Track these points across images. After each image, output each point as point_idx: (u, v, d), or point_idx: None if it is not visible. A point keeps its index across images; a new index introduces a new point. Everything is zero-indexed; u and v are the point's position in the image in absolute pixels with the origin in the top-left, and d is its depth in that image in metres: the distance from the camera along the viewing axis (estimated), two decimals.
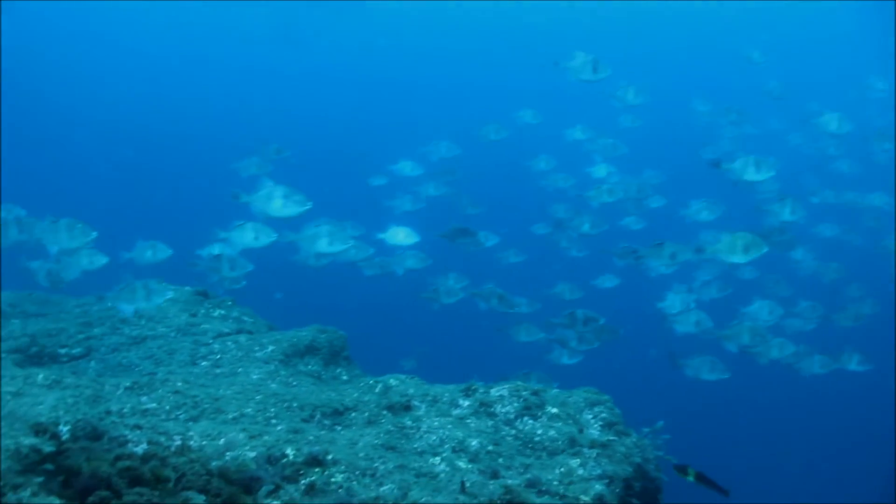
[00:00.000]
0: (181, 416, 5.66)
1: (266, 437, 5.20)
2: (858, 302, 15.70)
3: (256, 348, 7.87)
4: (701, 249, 9.62)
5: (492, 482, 5.07)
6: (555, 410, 6.26)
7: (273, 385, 6.80)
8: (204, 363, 7.49)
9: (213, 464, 3.90)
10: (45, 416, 4.78)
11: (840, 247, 16.92)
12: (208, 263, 9.23)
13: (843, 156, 17.77)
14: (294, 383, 7.11)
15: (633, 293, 15.62)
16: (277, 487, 3.97)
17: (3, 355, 7.03)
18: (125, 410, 5.48)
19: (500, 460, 5.57)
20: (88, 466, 3.42)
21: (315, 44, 46.26)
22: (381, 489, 4.75)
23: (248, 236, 8.43)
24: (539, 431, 5.98)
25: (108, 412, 5.39)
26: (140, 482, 3.58)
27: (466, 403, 6.31)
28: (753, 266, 15.10)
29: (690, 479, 5.95)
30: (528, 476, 5.29)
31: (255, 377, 7.07)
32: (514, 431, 5.98)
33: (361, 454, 5.21)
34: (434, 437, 5.69)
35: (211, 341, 8.05)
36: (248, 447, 5.04)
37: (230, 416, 5.75)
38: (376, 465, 5.06)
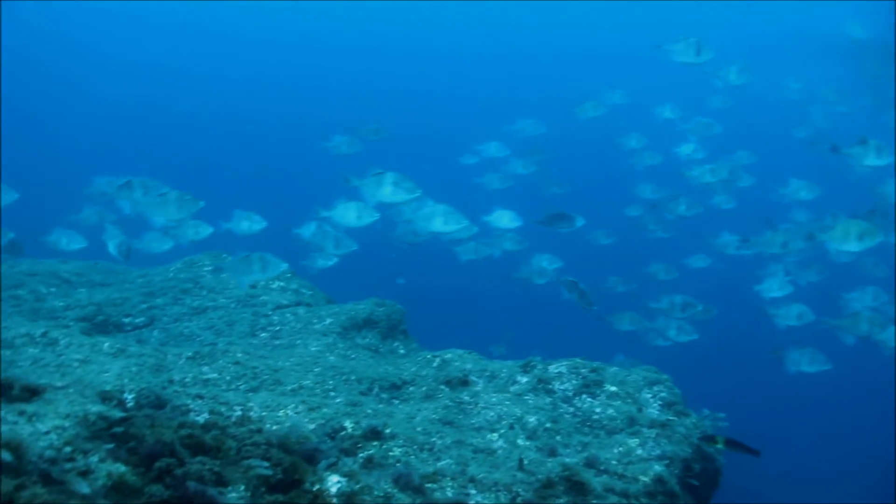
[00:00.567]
0: (241, 387, 5.74)
1: (325, 410, 5.25)
2: None
3: (315, 320, 7.94)
4: (812, 237, 9.34)
5: (550, 460, 5.05)
6: (614, 389, 6.20)
7: (331, 357, 6.86)
8: (263, 334, 7.58)
9: (273, 435, 3.94)
10: (111, 384, 4.88)
11: None
12: (314, 240, 9.36)
13: None
14: (352, 356, 7.16)
15: (726, 274, 15.37)
16: (336, 461, 3.99)
17: (70, 323, 7.21)
18: (187, 380, 5.58)
19: (558, 438, 5.54)
20: (153, 434, 3.48)
21: (403, 22, 46.45)
22: (439, 464, 4.76)
23: (351, 216, 8.59)
24: (597, 410, 5.93)
25: (171, 381, 5.49)
26: (202, 451, 3.63)
27: (524, 380, 6.29)
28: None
29: (720, 446, 5.85)
30: (587, 455, 5.25)
31: (313, 349, 7.13)
32: (572, 409, 5.95)
33: (419, 428, 5.23)
34: (492, 413, 5.68)
35: (270, 313, 8.14)
36: (307, 419, 5.09)
37: (289, 388, 5.81)
38: (434, 439, 5.08)
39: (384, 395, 6.08)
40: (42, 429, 3.42)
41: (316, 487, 3.56)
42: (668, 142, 15.03)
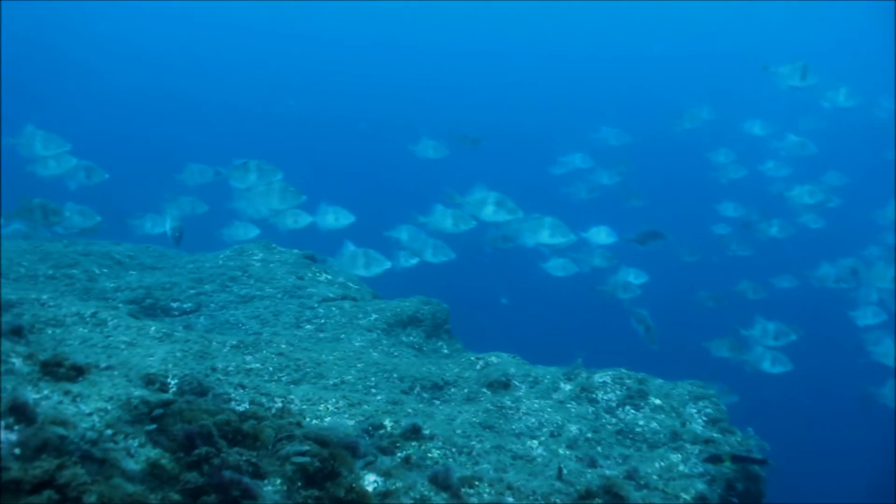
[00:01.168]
0: (283, 379, 5.77)
1: (365, 407, 5.25)
2: None
3: (360, 315, 7.95)
4: None
5: (589, 471, 4.99)
6: (658, 402, 6.11)
7: (374, 354, 6.86)
8: (308, 326, 7.61)
9: (312, 429, 3.94)
10: (155, 369, 4.94)
11: None
12: (410, 244, 9.52)
13: None
14: (395, 353, 7.15)
15: (814, 295, 15.16)
16: (374, 459, 3.98)
17: (119, 305, 7.31)
18: (230, 368, 5.62)
19: (599, 449, 5.48)
20: (192, 421, 3.50)
21: (490, 22, 46.90)
22: (477, 468, 4.72)
23: (448, 222, 8.79)
24: (640, 422, 5.85)
25: (214, 369, 5.53)
26: (240, 440, 3.64)
27: (568, 387, 6.23)
28: None
29: (728, 464, 5.71)
30: (627, 467, 5.18)
31: (357, 344, 7.15)
32: (614, 420, 5.87)
33: (459, 431, 5.20)
34: (533, 420, 5.63)
35: (316, 305, 8.17)
36: (347, 415, 5.10)
37: (331, 382, 5.82)
38: (473, 443, 5.05)
39: (425, 395, 6.07)
40: (85, 410, 3.46)
41: (352, 484, 3.54)
42: (754, 159, 14.93)
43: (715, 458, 5.61)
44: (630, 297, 12.27)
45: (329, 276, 9.20)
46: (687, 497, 5.02)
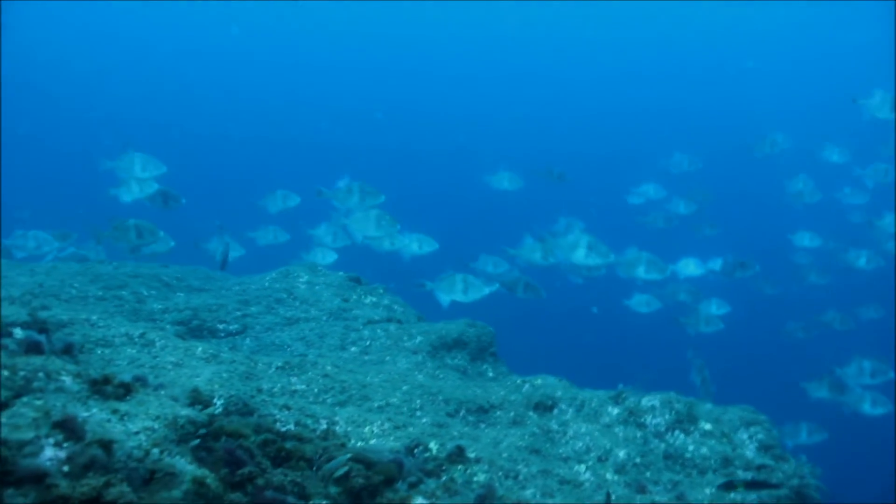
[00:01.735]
0: (328, 401, 5.77)
1: (411, 429, 5.23)
2: None
3: (405, 338, 7.94)
4: None
5: (638, 496, 4.91)
6: (708, 427, 6.01)
7: (420, 376, 6.84)
8: (353, 349, 7.62)
9: (356, 449, 3.94)
10: (202, 389, 4.97)
11: None
12: (500, 280, 9.75)
13: None
14: (440, 376, 7.13)
15: None
16: (419, 481, 3.96)
17: (167, 326, 7.40)
18: (275, 390, 5.64)
19: (648, 474, 5.39)
20: (237, 442, 3.51)
21: (559, 46, 47.32)
22: (524, 493, 4.67)
23: (537, 255, 9.25)
24: (690, 448, 5.75)
25: (260, 390, 5.55)
26: (285, 461, 3.65)
27: (615, 411, 6.14)
28: None
29: (741, 489, 5.56)
30: (677, 493, 5.09)
31: (402, 367, 7.14)
32: (663, 445, 5.78)
33: (505, 454, 5.16)
34: (580, 444, 5.57)
35: (361, 327, 8.18)
36: (392, 437, 5.08)
37: (376, 405, 5.81)
38: (519, 467, 5.00)
39: (471, 418, 6.02)
40: (132, 429, 3.49)
41: (403, 499, 3.53)
42: (831, 186, 14.74)
43: (729, 486, 5.49)
44: (713, 330, 12.17)
45: (374, 299, 9.22)
46: None
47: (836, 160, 14.62)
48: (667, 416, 6.00)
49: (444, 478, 4.60)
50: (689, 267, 12.03)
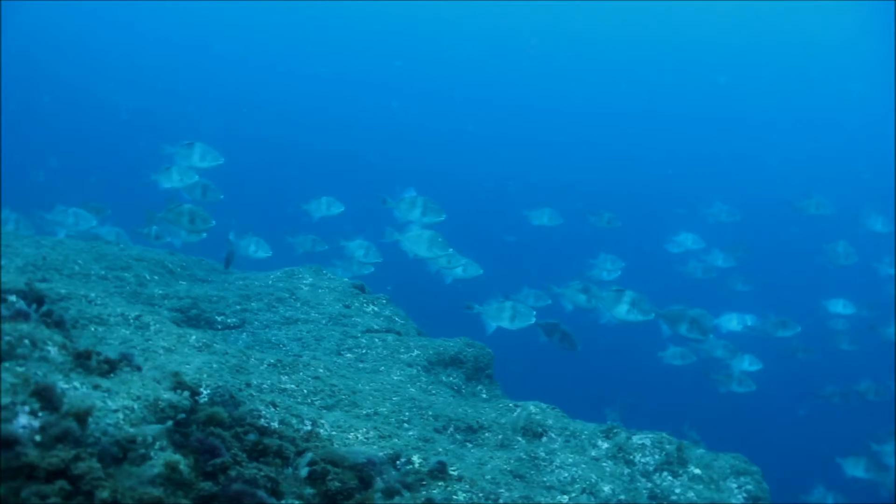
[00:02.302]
0: (316, 403, 5.71)
1: (396, 440, 5.17)
2: None
3: (402, 350, 7.88)
4: None
5: None
6: (697, 472, 5.90)
7: (412, 389, 6.78)
8: (349, 355, 7.56)
9: (330, 450, 3.87)
10: (189, 377, 4.92)
11: None
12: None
13: None
14: (433, 391, 7.06)
15: None
16: (396, 491, 3.88)
17: (165, 311, 7.36)
18: (264, 386, 5.58)
19: None
20: (215, 431, 3.45)
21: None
22: None
23: (581, 298, 9.80)
24: (677, 490, 5.64)
25: (248, 384, 5.50)
26: (262, 456, 3.59)
27: (605, 446, 6.05)
28: None
29: None
30: None
31: (395, 378, 7.07)
32: (650, 485, 5.68)
33: (488, 476, 5.08)
34: (565, 474, 5.48)
35: (359, 335, 8.12)
36: (376, 446, 5.01)
37: (364, 412, 5.75)
38: (501, 490, 4.91)
39: (458, 437, 5.95)
40: (112, 406, 3.44)
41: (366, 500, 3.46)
42: (871, 254, 14.70)
43: None
44: (745, 391, 12.11)
45: (376, 308, 9.16)
46: None
47: (879, 229, 14.56)
48: (657, 456, 5.89)
49: (422, 493, 4.52)
50: (732, 322, 11.99)
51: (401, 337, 8.47)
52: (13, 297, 4.38)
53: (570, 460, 5.67)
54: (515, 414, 6.50)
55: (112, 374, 3.68)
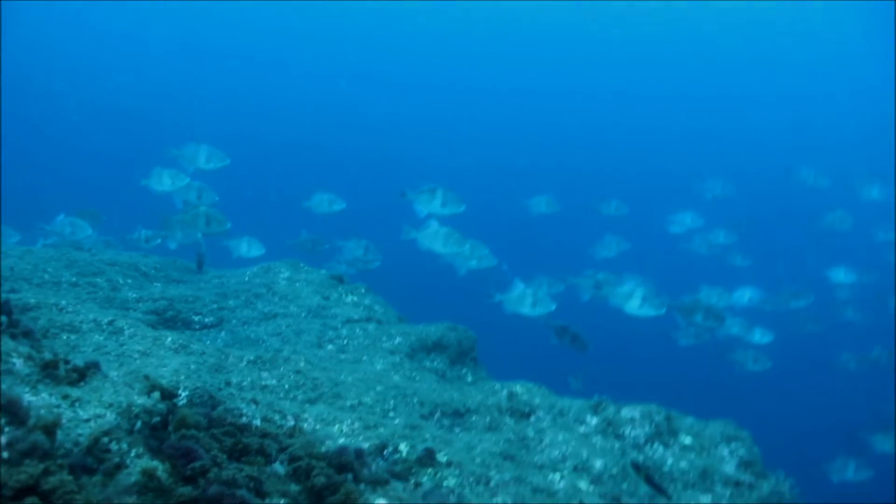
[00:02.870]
0: (299, 397, 5.60)
1: (381, 430, 5.05)
2: None
3: (384, 338, 7.78)
4: None
5: None
6: (688, 441, 5.86)
7: (396, 377, 6.68)
8: (330, 347, 7.45)
9: (321, 448, 3.76)
10: (166, 379, 4.79)
11: None
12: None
13: None
14: (417, 378, 6.96)
15: None
16: (385, 481, 3.79)
17: (139, 315, 7.20)
18: (245, 384, 5.46)
19: (625, 486, 5.23)
20: (192, 433, 3.33)
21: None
22: (494, 499, 4.50)
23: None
24: (669, 461, 5.59)
25: (228, 383, 5.38)
26: (243, 455, 3.47)
27: (594, 421, 5.99)
28: None
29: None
30: None
31: (378, 367, 6.97)
32: (641, 457, 5.62)
33: (478, 460, 4.99)
34: (556, 452, 5.40)
35: (339, 326, 8.01)
36: (362, 437, 4.90)
37: (348, 404, 5.64)
38: (491, 473, 4.82)
39: (445, 422, 5.85)
40: (83, 415, 3.31)
41: (350, 493, 3.36)
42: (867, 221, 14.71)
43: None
44: (761, 368, 12.09)
45: (355, 298, 9.04)
46: None
47: (875, 197, 14.57)
48: (646, 428, 5.84)
49: (412, 481, 4.43)
50: (746, 296, 11.91)
51: (382, 325, 8.36)
52: None
53: (560, 438, 5.60)
54: (503, 395, 6.42)
55: (82, 383, 3.55)
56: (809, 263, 16.43)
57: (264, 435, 3.84)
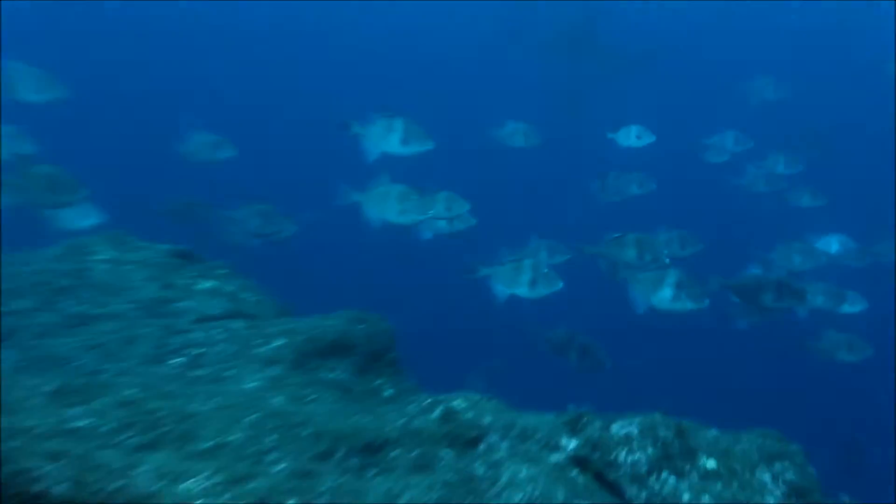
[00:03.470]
0: (129, 442, 5.42)
1: (255, 484, 4.92)
2: None
3: (258, 341, 7.75)
4: None
5: None
6: (711, 465, 5.86)
7: (277, 399, 6.60)
8: (175, 360, 7.37)
9: None
10: None
11: None
12: None
13: None
14: (310, 397, 6.91)
15: None
16: None
17: None
18: (41, 429, 5.25)
19: None
20: None
21: None
22: None
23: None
24: (685, 498, 5.57)
25: (18, 430, 5.17)
26: None
27: (571, 444, 5.96)
28: None
29: None
30: None
31: (250, 385, 6.92)
32: (645, 495, 5.59)
33: None
34: (519, 497, 5.33)
35: (190, 327, 7.99)
36: (225, 497, 4.76)
37: (204, 447, 5.49)
38: None
39: (353, 462, 5.76)
40: None
41: None
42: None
43: None
44: (858, 359, 12.33)
45: (212, 284, 9.00)
46: None
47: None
48: (649, 451, 5.82)
49: None
50: (833, 246, 12.11)
51: (255, 321, 8.33)
52: None
53: (524, 474, 5.54)
54: (436, 414, 6.36)
55: None
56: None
57: None
